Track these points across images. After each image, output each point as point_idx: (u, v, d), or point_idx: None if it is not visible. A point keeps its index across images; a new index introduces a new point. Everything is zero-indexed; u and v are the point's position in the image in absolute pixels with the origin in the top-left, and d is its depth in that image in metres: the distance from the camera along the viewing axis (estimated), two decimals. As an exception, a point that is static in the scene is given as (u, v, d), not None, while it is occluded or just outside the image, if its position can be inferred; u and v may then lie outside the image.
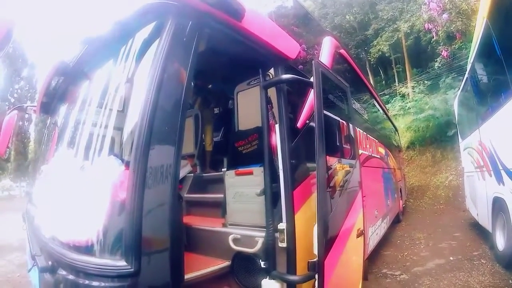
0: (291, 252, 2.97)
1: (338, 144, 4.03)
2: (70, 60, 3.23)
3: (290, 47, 3.33)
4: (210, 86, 6.26)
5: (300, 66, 3.63)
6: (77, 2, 3.03)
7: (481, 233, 7.90)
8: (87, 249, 2.13)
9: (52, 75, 3.58)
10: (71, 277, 2.13)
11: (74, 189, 2.50)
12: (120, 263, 1.94)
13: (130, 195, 1.97)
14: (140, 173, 1.99)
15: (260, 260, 3.11)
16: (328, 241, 2.95)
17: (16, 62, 33.91)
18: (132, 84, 2.47)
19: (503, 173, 5.37)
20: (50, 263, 2.38)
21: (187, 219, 4.16)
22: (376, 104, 9.81)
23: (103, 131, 2.47)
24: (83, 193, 2.33)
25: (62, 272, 2.21)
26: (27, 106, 6.01)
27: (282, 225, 2.99)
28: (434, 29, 16.72)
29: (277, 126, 3.14)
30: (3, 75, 33.73)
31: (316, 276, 2.74)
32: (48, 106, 4.15)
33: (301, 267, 2.93)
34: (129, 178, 2.00)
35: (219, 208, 4.14)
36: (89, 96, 2.97)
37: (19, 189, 42.53)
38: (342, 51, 5.37)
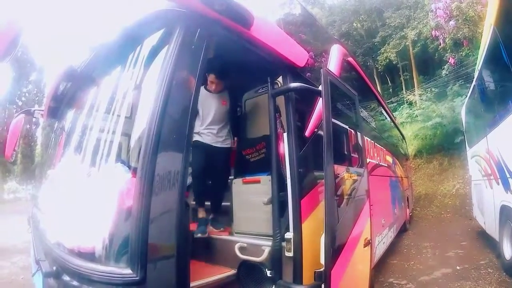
0: (297, 261, 2.95)
1: (346, 152, 4.02)
2: (78, 65, 3.25)
3: (298, 55, 3.33)
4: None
5: (308, 74, 3.62)
6: (86, 7, 3.03)
7: (488, 242, 7.81)
8: (93, 256, 2.12)
9: (60, 79, 3.59)
10: (75, 283, 2.12)
11: (81, 195, 2.49)
12: (125, 271, 1.92)
13: (136, 202, 1.95)
14: (147, 180, 1.97)
15: (266, 269, 3.10)
16: (335, 251, 2.93)
17: (25, 66, 34.06)
18: (140, 90, 2.47)
19: (510, 181, 5.32)
20: (54, 268, 2.37)
21: (193, 227, 4.15)
22: (384, 112, 9.79)
23: (111, 137, 2.46)
24: (90, 199, 2.32)
25: (66, 278, 2.21)
26: (35, 110, 6.02)
27: (289, 234, 2.98)
28: (441, 36, 16.74)
29: (285, 134, 3.14)
30: (11, 78, 33.92)
31: (323, 286, 2.72)
32: (56, 110, 4.17)
33: (308, 277, 2.91)
34: (136, 185, 1.99)
35: (225, 216, 4.13)
36: (97, 102, 2.97)
37: (25, 191, 42.67)
38: (350, 59, 5.36)
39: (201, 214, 4.31)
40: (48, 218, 3.32)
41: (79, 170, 2.66)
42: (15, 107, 33.77)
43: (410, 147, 19.28)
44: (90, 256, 2.12)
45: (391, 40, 27.43)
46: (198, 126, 4.21)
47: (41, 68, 36.34)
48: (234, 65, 3.79)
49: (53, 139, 4.87)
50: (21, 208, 14.56)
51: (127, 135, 2.40)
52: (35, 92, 36.74)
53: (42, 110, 5.17)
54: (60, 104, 4.01)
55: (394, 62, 28.91)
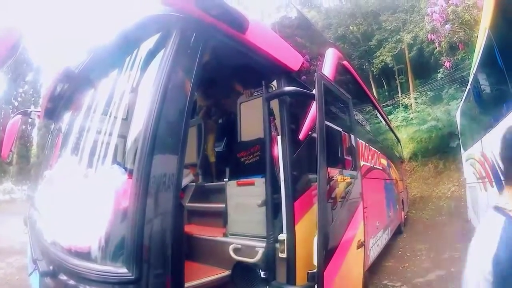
0: (291, 262, 2.98)
1: (339, 155, 4.04)
2: (75, 67, 3.27)
3: (293, 59, 3.37)
4: (213, 96, 6.25)
5: (303, 77, 3.65)
6: (84, 10, 3.07)
7: (483, 245, 7.84)
8: (89, 255, 2.14)
9: (57, 81, 3.61)
10: (71, 282, 2.14)
11: (77, 195, 2.51)
12: (121, 270, 1.95)
13: (132, 203, 1.98)
14: (143, 181, 2.00)
15: (260, 270, 3.12)
16: (328, 252, 2.95)
17: (21, 66, 34.02)
18: (136, 93, 2.50)
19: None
20: (51, 268, 2.39)
21: (188, 228, 4.17)
22: (379, 115, 9.83)
23: (107, 139, 2.49)
24: (86, 200, 2.35)
25: (62, 277, 2.23)
26: (31, 110, 6.00)
27: (283, 236, 3.01)
28: (437, 39, 16.77)
29: (279, 137, 3.17)
30: (7, 79, 33.84)
31: (316, 287, 2.75)
32: (52, 111, 4.18)
33: (301, 278, 2.93)
34: (131, 186, 2.02)
35: (220, 217, 4.15)
36: (93, 104, 3.00)
37: (20, 192, 42.44)
38: (345, 62, 5.39)
39: None
40: (45, 218, 3.34)
41: (76, 171, 2.69)
42: (11, 108, 33.72)
43: (405, 150, 19.36)
44: (86, 256, 2.15)
45: (387, 43, 27.47)
46: None
47: (37, 69, 36.34)
48: (229, 68, 3.83)
49: (49, 140, 4.88)
50: (17, 209, 14.51)
51: (123, 137, 2.43)
52: (31, 92, 36.71)
53: (39, 111, 5.18)
54: (57, 106, 4.03)
55: (390, 66, 28.89)
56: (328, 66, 4.21)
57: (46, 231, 3.00)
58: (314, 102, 3.06)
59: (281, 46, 3.26)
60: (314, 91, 3.05)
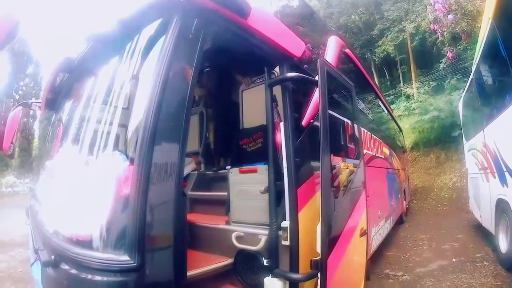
0: (294, 250, 2.97)
1: (342, 143, 4.02)
2: (75, 56, 3.24)
3: (295, 46, 3.33)
4: (215, 83, 6.22)
5: (305, 66, 3.62)
6: (83, -2, 3.03)
7: (484, 235, 7.87)
8: (90, 244, 2.13)
9: (57, 71, 3.59)
10: (73, 271, 2.12)
11: (78, 184, 2.50)
12: (123, 258, 1.94)
13: (134, 191, 1.97)
14: (145, 169, 1.98)
15: (263, 258, 3.11)
16: (331, 240, 2.93)
17: (21, 59, 33.92)
18: (137, 81, 2.48)
19: (507, 174, 5.34)
20: (52, 257, 2.38)
21: (190, 217, 4.16)
22: (381, 104, 9.79)
23: (108, 128, 2.47)
24: (87, 188, 2.33)
25: (64, 266, 2.21)
26: (32, 102, 5.98)
27: (286, 223, 2.99)
28: (439, 30, 16.72)
29: (281, 124, 3.14)
30: (8, 72, 33.78)
31: (319, 274, 2.73)
32: (53, 102, 4.16)
33: (304, 266, 2.92)
34: (133, 174, 2.00)
35: (222, 205, 4.14)
36: (94, 93, 2.96)
37: (22, 185, 42.57)
38: (347, 50, 5.35)
39: None
40: (46, 207, 3.33)
41: (77, 160, 2.67)
42: (12, 101, 33.67)
43: (408, 140, 19.35)
44: (88, 244, 2.13)
45: (389, 33, 27.38)
46: None
47: (38, 61, 36.23)
48: (231, 55, 3.79)
49: (51, 131, 4.86)
50: (19, 202, 14.54)
51: (124, 126, 2.41)
52: (32, 85, 36.65)
53: (40, 103, 5.16)
54: (58, 96, 4.00)
55: (392, 55, 28.85)
56: (330, 54, 4.18)
57: (47, 220, 2.99)
58: (317, 88, 3.03)
59: (283, 32, 3.23)
60: (317, 78, 3.02)
